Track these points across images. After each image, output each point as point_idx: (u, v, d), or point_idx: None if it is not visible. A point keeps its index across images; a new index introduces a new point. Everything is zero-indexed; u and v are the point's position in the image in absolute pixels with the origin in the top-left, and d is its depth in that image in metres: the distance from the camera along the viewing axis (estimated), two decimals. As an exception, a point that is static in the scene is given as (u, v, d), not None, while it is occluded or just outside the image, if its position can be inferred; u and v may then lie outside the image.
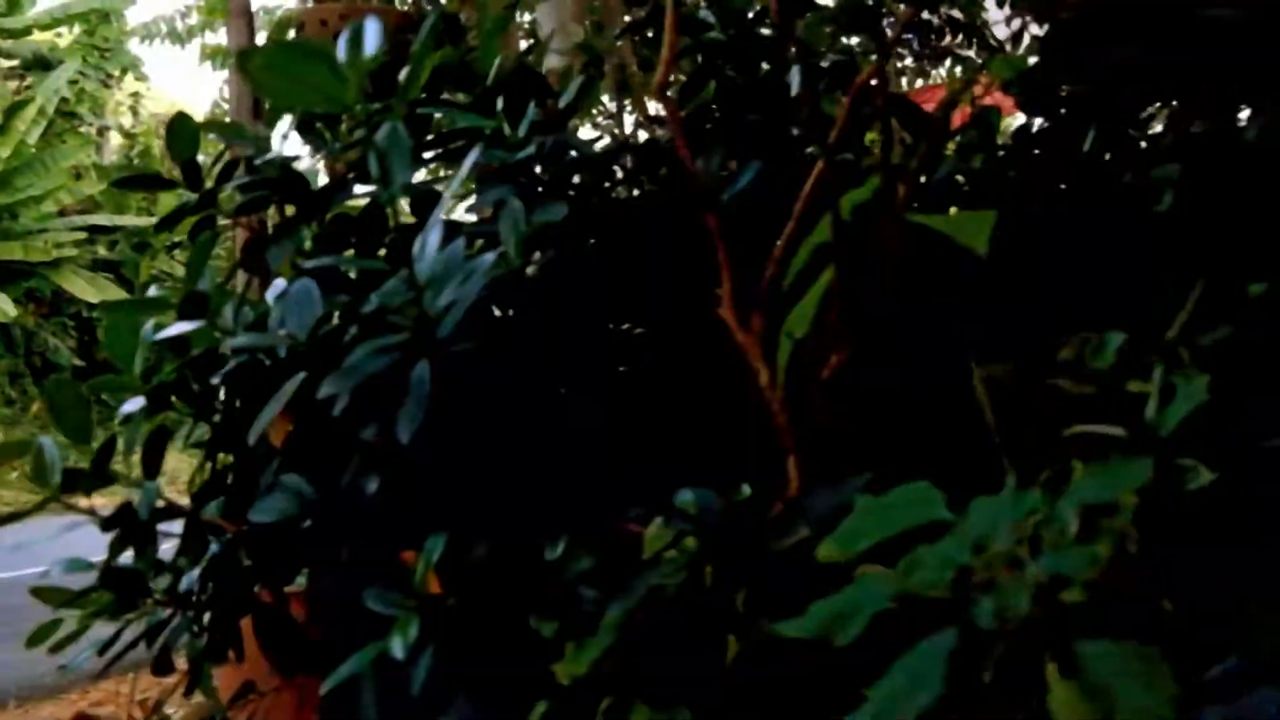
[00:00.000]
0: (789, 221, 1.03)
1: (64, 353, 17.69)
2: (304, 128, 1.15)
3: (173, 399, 1.24)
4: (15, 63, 18.08)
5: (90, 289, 17.29)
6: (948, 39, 5.52)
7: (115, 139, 20.41)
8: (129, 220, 18.51)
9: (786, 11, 1.11)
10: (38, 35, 18.78)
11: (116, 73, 19.78)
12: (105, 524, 1.07)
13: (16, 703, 4.14)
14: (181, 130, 1.15)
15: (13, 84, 17.99)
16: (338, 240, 1.23)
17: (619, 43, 2.88)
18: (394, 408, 0.98)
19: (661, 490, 1.04)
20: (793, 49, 1.13)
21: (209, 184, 1.30)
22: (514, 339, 1.03)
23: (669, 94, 1.03)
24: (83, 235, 17.70)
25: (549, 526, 0.99)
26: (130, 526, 1.07)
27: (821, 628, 0.69)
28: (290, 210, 1.31)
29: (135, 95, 20.56)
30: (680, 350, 1.07)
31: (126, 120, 20.65)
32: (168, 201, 18.99)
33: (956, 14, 5.14)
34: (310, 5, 1.74)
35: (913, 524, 0.72)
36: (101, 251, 18.57)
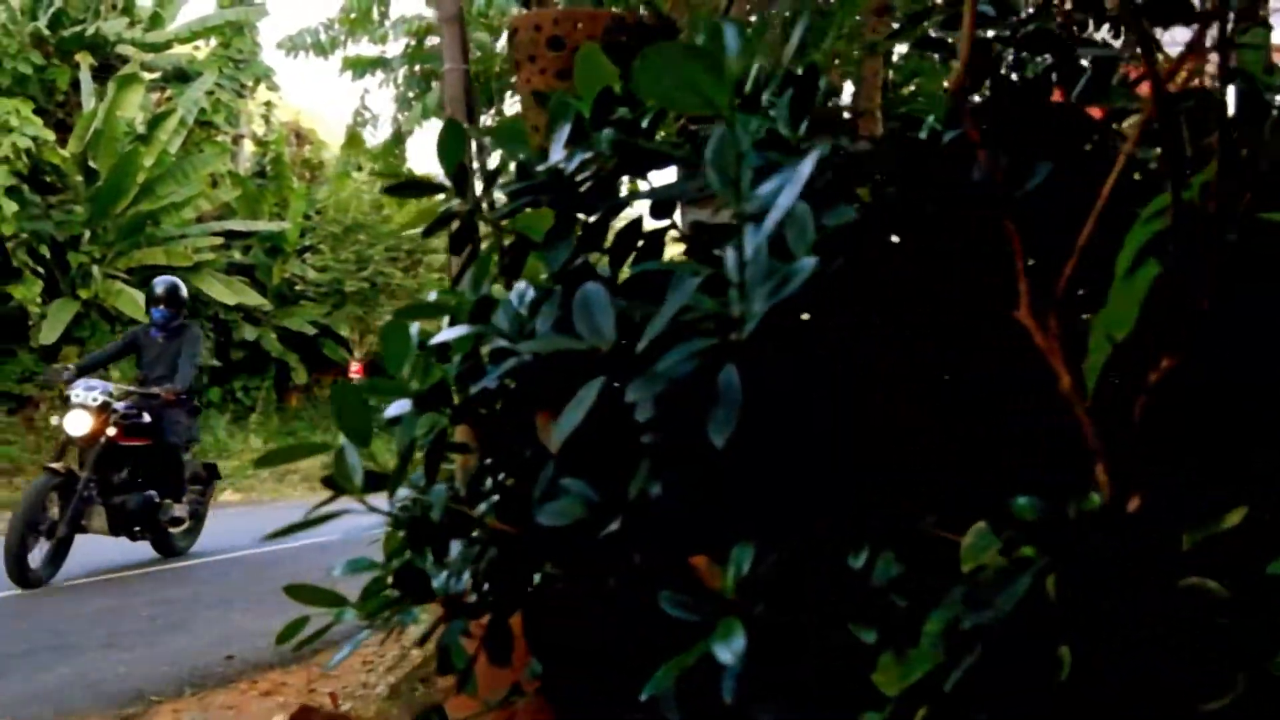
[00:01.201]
0: (1084, 220, 1.00)
1: (203, 353, 18.35)
2: (576, 133, 1.15)
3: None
4: (156, 75, 18.83)
5: (228, 292, 17.92)
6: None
7: (248, 147, 21.11)
8: (262, 225, 19.14)
9: (1079, 5, 1.08)
10: (177, 49, 19.55)
11: (250, 83, 20.48)
12: (396, 525, 1.10)
13: (192, 690, 4.30)
14: (450, 137, 1.17)
15: (155, 96, 18.74)
16: (592, 247, 1.24)
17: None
18: (687, 412, 0.98)
19: (952, 494, 1.02)
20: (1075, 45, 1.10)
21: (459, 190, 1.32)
22: (806, 342, 1.01)
23: (963, 93, 1.01)
24: (219, 240, 18.36)
25: (850, 532, 0.98)
26: (421, 528, 1.09)
27: None
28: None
29: (267, 104, 21.25)
30: (969, 353, 1.05)
31: (259, 128, 21.34)
32: (297, 208, 19.60)
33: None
34: (524, 12, 1.77)
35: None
36: (236, 256, 19.23)
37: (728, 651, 0.86)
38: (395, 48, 8.95)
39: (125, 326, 17.11)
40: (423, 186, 1.19)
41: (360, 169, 17.64)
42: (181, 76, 19.21)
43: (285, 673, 4.67)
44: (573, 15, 1.77)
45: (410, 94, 9.30)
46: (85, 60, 17.39)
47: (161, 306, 8.15)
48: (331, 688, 4.48)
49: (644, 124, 1.25)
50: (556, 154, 1.13)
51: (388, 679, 4.57)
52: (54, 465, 7.15)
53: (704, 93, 0.74)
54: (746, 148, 0.80)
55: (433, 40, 9.19)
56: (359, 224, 19.43)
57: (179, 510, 8.08)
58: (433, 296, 1.16)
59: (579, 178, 1.16)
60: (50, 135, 15.76)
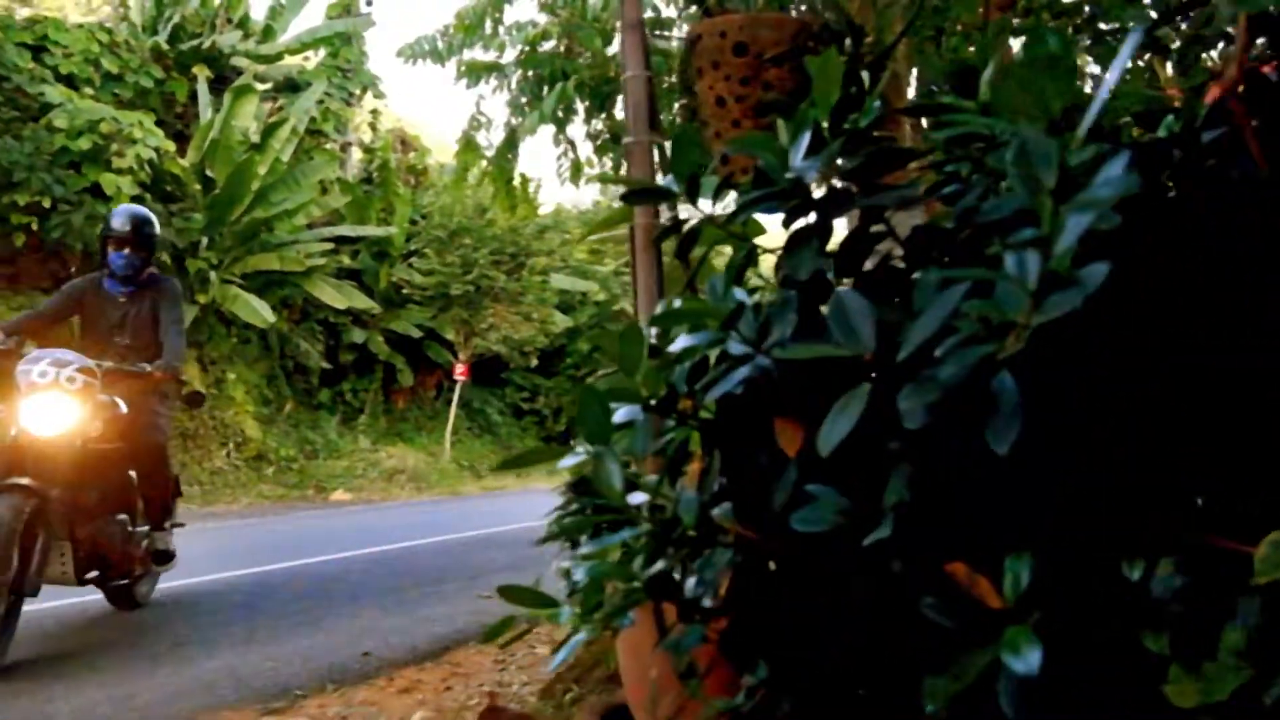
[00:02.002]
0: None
1: (314, 356, 18.84)
2: (816, 141, 1.15)
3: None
4: (269, 86, 19.36)
5: (338, 296, 18.35)
6: None
7: (356, 154, 21.59)
8: (369, 230, 19.56)
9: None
10: (288, 60, 20.10)
11: (357, 92, 20.95)
12: (661, 531, 1.11)
13: (333, 686, 4.40)
14: (685, 145, 1.17)
15: (267, 106, 19.27)
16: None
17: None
18: (952, 419, 0.97)
19: (1234, 503, 0.99)
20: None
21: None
22: (1076, 346, 1.00)
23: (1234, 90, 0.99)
24: (329, 246, 18.81)
25: (1125, 542, 0.96)
26: (669, 533, 1.10)
27: None
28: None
29: (374, 112, 21.73)
30: (1247, 356, 1.02)
31: (366, 136, 21.82)
32: (403, 213, 19.99)
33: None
34: (707, 19, 1.78)
35: None
36: (345, 260, 19.67)
37: (1021, 661, 0.86)
38: (510, 54, 9.06)
39: (241, 330, 17.73)
40: (658, 193, 1.20)
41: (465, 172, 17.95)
42: (292, 86, 19.74)
43: (420, 670, 4.77)
44: (759, 21, 1.77)
45: (523, 99, 9.40)
46: (202, 73, 17.97)
47: (126, 250, 5.48)
48: (466, 685, 4.56)
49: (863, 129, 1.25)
50: (797, 161, 1.13)
51: (520, 677, 4.64)
52: (19, 480, 4.51)
53: (1048, 103, 0.73)
54: (1043, 149, 0.79)
55: (546, 45, 9.28)
56: (464, 228, 19.76)
57: (164, 542, 5.65)
58: (677, 304, 1.16)
59: (817, 185, 1.16)
60: (171, 146, 16.32)
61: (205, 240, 16.85)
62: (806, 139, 1.13)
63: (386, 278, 20.23)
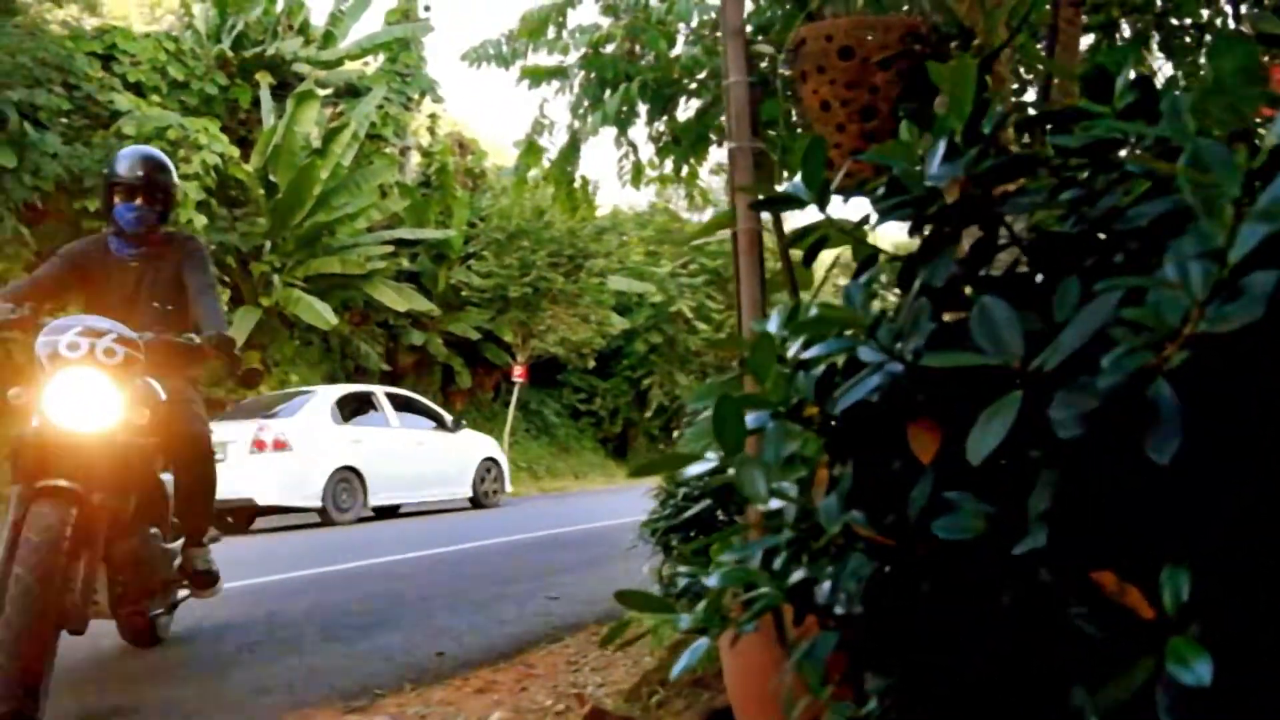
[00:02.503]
0: None
1: (374, 358, 19.06)
2: (951, 149, 1.15)
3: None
4: (329, 91, 19.62)
5: (398, 298, 18.55)
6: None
7: (415, 157, 21.81)
8: (428, 233, 19.75)
9: None
10: (348, 65, 20.36)
11: (416, 96, 21.16)
12: (804, 538, 1.11)
13: (410, 685, 4.45)
14: (814, 152, 1.18)
15: (328, 111, 19.53)
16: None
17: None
18: (1105, 429, 0.97)
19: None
20: None
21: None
22: (1234, 354, 0.99)
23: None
24: (388, 249, 19.01)
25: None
26: (812, 540, 1.10)
27: None
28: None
29: (432, 116, 21.94)
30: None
31: (424, 139, 22.03)
32: (461, 216, 20.17)
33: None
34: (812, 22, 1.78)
35: None
36: (404, 263, 19.88)
37: (1189, 673, 0.85)
38: (573, 56, 9.10)
39: (303, 332, 18.01)
40: (788, 200, 1.21)
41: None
42: (352, 91, 20.00)
43: (494, 670, 4.80)
44: (865, 25, 1.76)
45: (585, 102, 9.44)
46: (265, 79, 18.26)
47: (137, 201, 4.31)
48: (541, 686, 4.58)
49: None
50: (934, 169, 1.13)
51: (595, 679, 4.65)
52: (59, 482, 3.37)
53: (1240, 111, 0.73)
54: (1237, 160, 0.79)
55: (608, 48, 9.29)
56: (522, 230, 19.88)
57: (205, 560, 4.59)
58: (813, 312, 1.17)
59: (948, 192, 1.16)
60: (235, 151, 16.60)
61: (268, 244, 17.12)
62: (943, 146, 1.13)
63: (445, 280, 20.42)
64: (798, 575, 1.08)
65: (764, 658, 1.80)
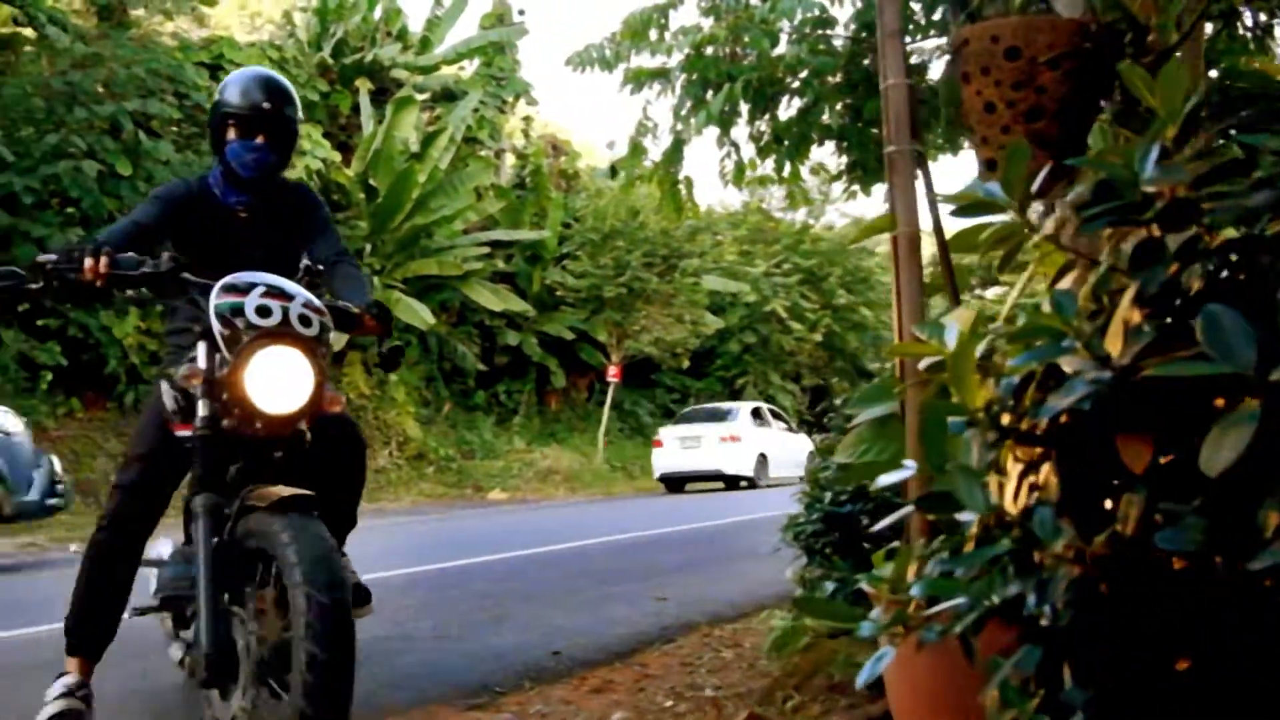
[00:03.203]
0: None
1: (470, 358, 19.32)
2: (1164, 152, 1.12)
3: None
4: (426, 96, 19.93)
5: (494, 299, 18.78)
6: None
7: (509, 160, 22.05)
8: (523, 234, 19.95)
9: None
10: (444, 70, 20.67)
11: (510, 99, 21.40)
12: (1023, 549, 1.09)
13: (530, 684, 4.49)
14: (1016, 155, 1.16)
15: (425, 115, 19.84)
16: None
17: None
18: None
19: None
20: None
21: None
22: None
23: None
24: (484, 250, 19.25)
25: None
26: (1031, 550, 1.09)
27: None
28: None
29: (526, 119, 22.16)
30: None
31: (519, 142, 22.26)
32: (555, 217, 20.34)
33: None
34: (974, 24, 1.75)
35: None
36: (499, 264, 20.11)
37: None
38: (676, 58, 9.10)
39: (402, 333, 18.34)
40: (985, 206, 1.19)
41: (614, 175, 18.18)
42: (449, 96, 20.30)
43: (611, 670, 4.82)
44: (1032, 25, 1.73)
45: (687, 103, 9.44)
46: (364, 85, 18.64)
47: (259, 139, 3.39)
48: (659, 687, 4.59)
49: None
50: (1148, 173, 1.10)
51: (712, 680, 4.65)
52: (302, 492, 2.65)
53: None
54: None
55: (710, 49, 9.27)
56: (616, 230, 19.97)
57: (351, 571, 3.70)
58: (1020, 320, 1.15)
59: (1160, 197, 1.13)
60: (337, 156, 16.97)
61: (369, 247, 17.46)
62: (1156, 150, 1.10)
63: (540, 281, 20.61)
64: (1014, 588, 1.06)
65: (938, 667, 1.77)
